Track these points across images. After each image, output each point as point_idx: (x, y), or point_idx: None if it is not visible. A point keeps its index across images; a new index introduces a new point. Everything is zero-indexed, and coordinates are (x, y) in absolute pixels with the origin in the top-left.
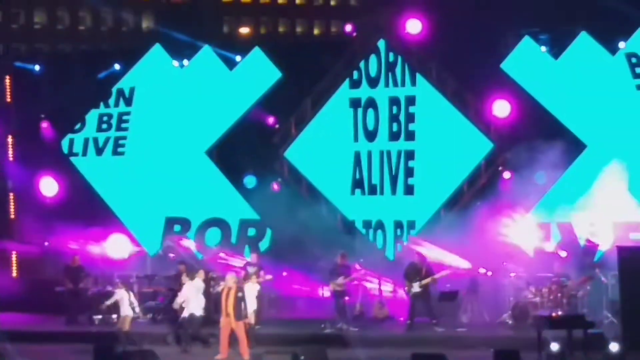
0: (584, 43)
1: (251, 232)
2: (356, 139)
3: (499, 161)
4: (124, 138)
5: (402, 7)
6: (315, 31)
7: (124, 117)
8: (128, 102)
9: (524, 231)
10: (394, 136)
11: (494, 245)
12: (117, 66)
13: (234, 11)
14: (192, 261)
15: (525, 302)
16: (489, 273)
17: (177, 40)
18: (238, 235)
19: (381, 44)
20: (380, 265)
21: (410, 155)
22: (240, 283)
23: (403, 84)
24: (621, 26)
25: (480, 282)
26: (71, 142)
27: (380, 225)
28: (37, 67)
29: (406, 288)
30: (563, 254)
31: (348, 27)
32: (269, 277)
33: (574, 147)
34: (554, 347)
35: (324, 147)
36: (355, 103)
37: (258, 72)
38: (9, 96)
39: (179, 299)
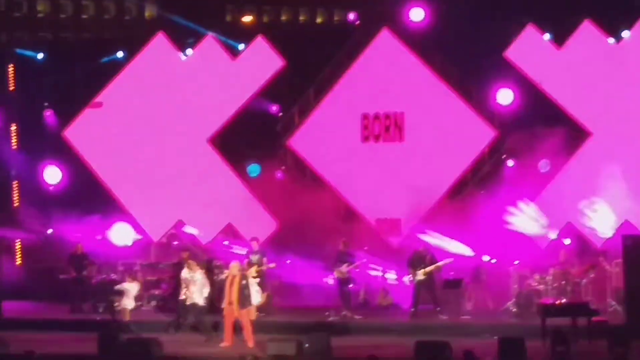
0: (587, 31)
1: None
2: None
3: (502, 149)
4: (127, 125)
5: None
6: (318, 19)
7: (127, 105)
8: (131, 90)
9: (527, 219)
10: (397, 124)
11: (497, 233)
12: (120, 53)
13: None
14: (196, 249)
15: (530, 290)
16: (493, 261)
17: (180, 28)
18: None
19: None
20: (384, 253)
21: (413, 143)
22: (244, 271)
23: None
24: (624, 15)
25: (484, 270)
26: (74, 130)
27: (383, 213)
28: (40, 56)
29: (410, 276)
30: (567, 241)
31: (351, 16)
32: (272, 265)
33: (578, 135)
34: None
35: (327, 135)
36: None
37: (261, 61)
38: (12, 84)
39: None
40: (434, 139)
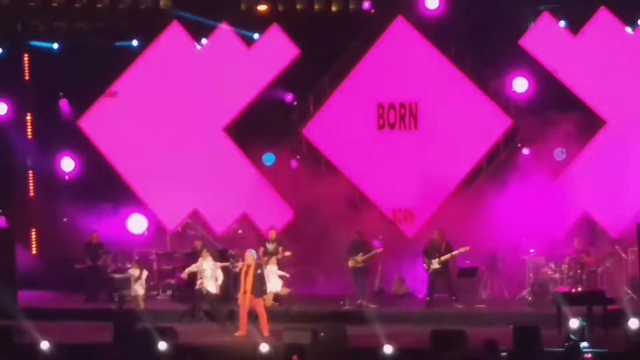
0: (603, 19)
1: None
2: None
3: (517, 138)
4: (142, 115)
5: None
6: (333, 8)
7: (142, 94)
8: (146, 79)
9: (541, 207)
10: (412, 113)
11: (513, 222)
12: (135, 42)
13: None
14: (211, 238)
15: (545, 279)
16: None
17: (195, 17)
18: None
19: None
20: (399, 241)
21: (428, 132)
22: (260, 260)
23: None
24: None
25: (499, 259)
26: (89, 119)
27: (398, 202)
28: (55, 46)
29: (425, 264)
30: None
31: (366, 4)
32: (288, 253)
33: (593, 123)
34: (574, 323)
35: (342, 124)
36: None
37: (276, 49)
38: (27, 74)
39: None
40: (449, 127)
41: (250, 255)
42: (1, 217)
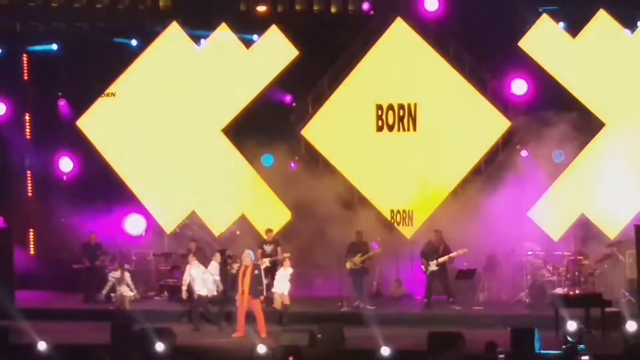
0: (602, 21)
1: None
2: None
3: (516, 139)
4: (140, 116)
5: None
6: (333, 9)
7: (140, 95)
8: (144, 80)
9: (540, 209)
10: (411, 114)
11: (511, 224)
12: (134, 42)
13: None
14: (209, 239)
15: (543, 281)
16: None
17: (194, 18)
18: None
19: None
20: (397, 243)
21: (427, 133)
22: (257, 261)
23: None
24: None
25: (497, 261)
26: (88, 119)
27: (396, 204)
28: (54, 46)
29: (423, 266)
30: (580, 232)
31: (365, 5)
32: (286, 254)
33: (592, 125)
34: (571, 325)
35: (340, 125)
36: None
37: (275, 51)
38: (26, 74)
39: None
40: (447, 129)
41: (248, 256)
42: None
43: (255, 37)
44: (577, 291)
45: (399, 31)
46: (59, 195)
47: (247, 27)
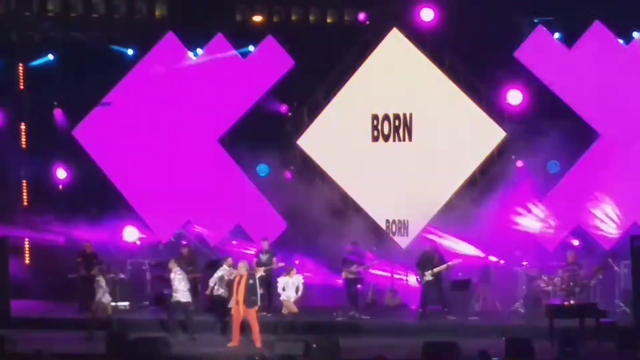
0: (597, 32)
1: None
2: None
3: (511, 150)
4: (136, 125)
5: None
6: (329, 19)
7: (136, 104)
8: (140, 89)
9: (536, 220)
10: (406, 124)
11: (506, 234)
12: (130, 51)
13: None
14: (205, 248)
15: (538, 291)
16: (502, 262)
17: (190, 28)
18: None
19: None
20: (392, 253)
21: (422, 143)
22: (252, 270)
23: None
24: (635, 15)
25: (492, 271)
26: (84, 129)
27: (392, 214)
28: (50, 57)
29: (418, 276)
30: (575, 242)
31: (361, 16)
32: (281, 264)
33: (587, 135)
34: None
35: (336, 135)
36: None
37: (271, 60)
38: (21, 84)
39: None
40: (443, 139)
41: (243, 265)
42: None
43: (251, 47)
44: (572, 301)
45: (395, 41)
46: (55, 205)
47: (243, 37)
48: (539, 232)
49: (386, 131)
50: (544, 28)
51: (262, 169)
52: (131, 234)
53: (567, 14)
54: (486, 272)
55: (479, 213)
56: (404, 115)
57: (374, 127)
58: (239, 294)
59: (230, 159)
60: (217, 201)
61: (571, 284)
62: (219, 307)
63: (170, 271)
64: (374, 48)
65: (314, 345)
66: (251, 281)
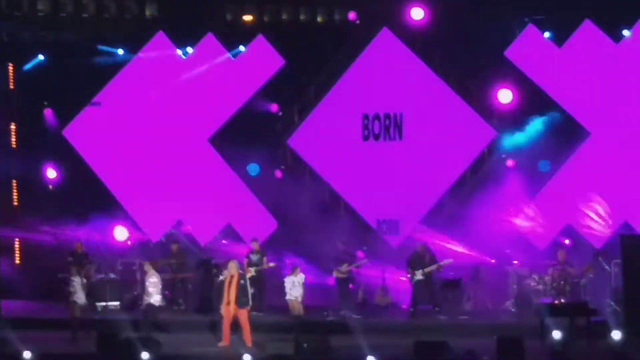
0: (587, 31)
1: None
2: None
3: (502, 149)
4: (127, 125)
5: None
6: (319, 19)
7: (127, 104)
8: (131, 89)
9: (527, 219)
10: (397, 124)
11: (497, 233)
12: (120, 51)
13: None
14: (195, 248)
15: (528, 290)
16: (492, 261)
17: (181, 28)
18: None
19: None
20: (383, 252)
21: (413, 143)
22: (243, 270)
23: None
24: (625, 14)
25: (483, 270)
26: (74, 128)
27: (383, 213)
28: (41, 57)
29: (409, 276)
30: (566, 241)
31: (351, 15)
32: (272, 264)
33: (577, 135)
34: (557, 334)
35: (327, 135)
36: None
37: (261, 60)
38: (11, 83)
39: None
40: (434, 138)
41: (234, 265)
42: None
43: (242, 47)
44: (562, 300)
45: (385, 40)
46: (45, 205)
47: (234, 36)
48: (529, 231)
49: (377, 131)
50: (535, 27)
51: (253, 168)
52: (122, 233)
53: (557, 12)
54: (477, 272)
55: (470, 212)
56: (395, 114)
57: (365, 127)
58: (230, 294)
59: (221, 158)
60: (207, 201)
61: (562, 282)
62: None
63: (145, 273)
64: (364, 47)
65: (305, 345)
66: (242, 282)
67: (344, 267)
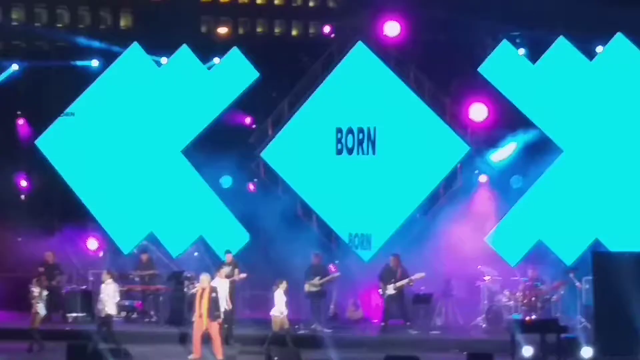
0: (561, 47)
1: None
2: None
3: (474, 165)
4: (100, 136)
5: (380, 9)
6: (294, 32)
7: (100, 115)
8: (104, 100)
9: (498, 234)
10: (370, 138)
11: (468, 248)
12: (95, 62)
13: (212, 11)
14: (168, 260)
15: (499, 306)
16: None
17: (155, 39)
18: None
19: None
20: (354, 266)
21: (386, 157)
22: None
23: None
24: (599, 31)
25: (454, 285)
26: (47, 139)
27: (355, 227)
28: (15, 67)
29: (380, 290)
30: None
31: (326, 29)
32: (243, 275)
33: (550, 151)
34: (527, 351)
35: (300, 148)
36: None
37: (236, 72)
38: None
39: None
40: (407, 153)
41: (206, 279)
42: None
43: (216, 59)
44: (533, 317)
45: (360, 55)
46: (16, 215)
47: (208, 48)
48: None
49: (350, 144)
50: (509, 43)
51: (226, 180)
52: (93, 243)
53: (531, 29)
54: (448, 287)
55: (442, 227)
56: (368, 128)
57: (338, 141)
58: (202, 307)
59: (194, 170)
60: (180, 212)
61: (533, 299)
62: None
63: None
64: (339, 61)
65: (276, 358)
66: (214, 294)
67: (316, 281)
